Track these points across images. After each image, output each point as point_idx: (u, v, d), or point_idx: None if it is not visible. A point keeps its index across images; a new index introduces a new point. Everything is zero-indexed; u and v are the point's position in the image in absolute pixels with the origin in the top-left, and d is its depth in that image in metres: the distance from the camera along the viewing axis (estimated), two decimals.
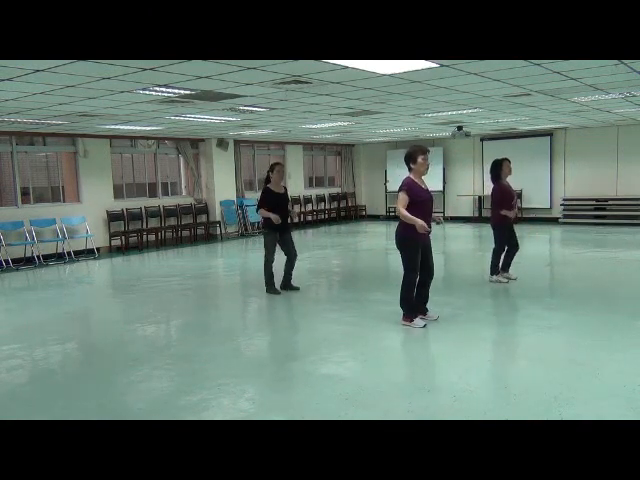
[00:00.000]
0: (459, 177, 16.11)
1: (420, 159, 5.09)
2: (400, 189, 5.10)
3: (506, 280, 7.02)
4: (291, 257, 6.89)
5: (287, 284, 6.98)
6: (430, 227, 5.16)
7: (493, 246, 7.14)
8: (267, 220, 6.69)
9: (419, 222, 4.93)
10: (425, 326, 5.20)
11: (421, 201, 5.11)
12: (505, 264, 7.16)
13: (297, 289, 6.98)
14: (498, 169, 7.00)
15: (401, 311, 5.36)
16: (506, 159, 7.06)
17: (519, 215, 7.32)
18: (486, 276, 7.28)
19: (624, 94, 7.84)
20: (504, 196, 6.95)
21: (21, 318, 6.42)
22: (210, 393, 3.86)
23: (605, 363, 4.17)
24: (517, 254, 7.21)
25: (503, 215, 6.87)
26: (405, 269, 5.24)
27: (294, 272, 7.00)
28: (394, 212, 16.29)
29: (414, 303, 5.29)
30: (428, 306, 5.48)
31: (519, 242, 7.26)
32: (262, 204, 6.74)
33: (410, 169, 5.18)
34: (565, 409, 3.37)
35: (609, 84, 6.93)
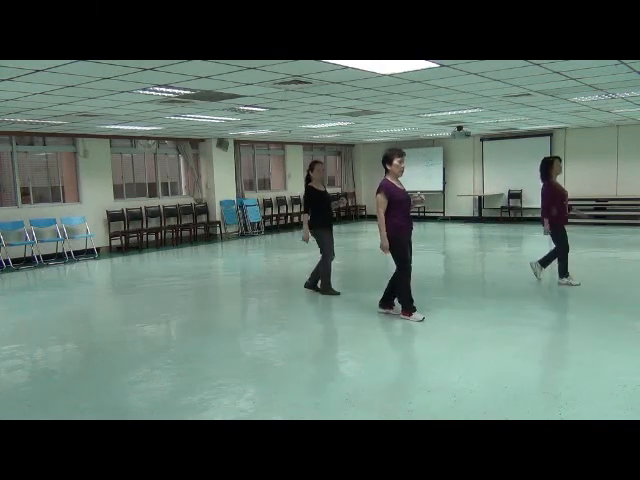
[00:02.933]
0: (459, 177, 16.12)
1: (396, 161, 5.30)
2: (378, 191, 5.31)
3: (578, 282, 6.84)
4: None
5: (313, 285, 6.90)
6: (412, 225, 5.47)
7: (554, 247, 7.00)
8: (315, 218, 6.61)
9: (385, 244, 5.25)
10: (424, 319, 5.36)
11: (399, 201, 5.32)
12: (546, 261, 7.06)
13: (337, 294, 6.79)
14: (548, 167, 6.84)
15: (380, 310, 5.63)
16: (557, 157, 6.98)
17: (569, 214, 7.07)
18: (486, 276, 7.28)
19: (617, 95, 7.84)
20: (555, 195, 6.79)
21: (21, 318, 6.42)
22: (210, 393, 3.86)
23: (605, 363, 4.17)
24: (532, 256, 7.16)
25: (556, 214, 6.70)
26: (398, 267, 5.43)
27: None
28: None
29: (411, 296, 5.46)
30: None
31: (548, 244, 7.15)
32: (308, 206, 6.69)
33: (387, 171, 5.39)
34: (565, 409, 3.37)
35: (609, 84, 6.94)
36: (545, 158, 7.05)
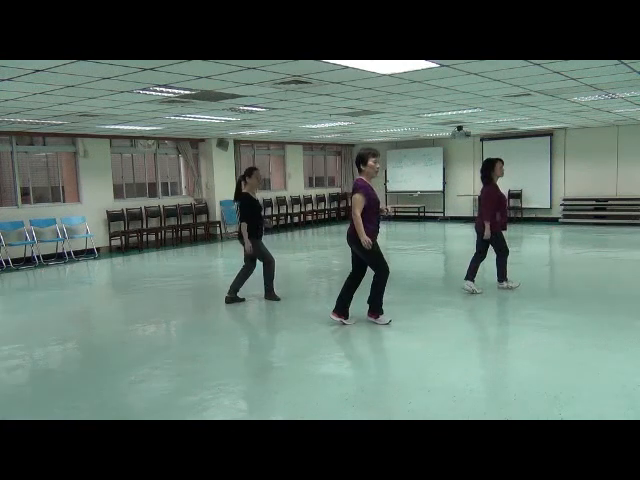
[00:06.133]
0: (459, 177, 16.12)
1: (371, 161, 5.13)
2: (356, 191, 5.11)
3: (517, 284, 6.62)
4: (258, 266, 6.52)
5: (271, 295, 6.61)
6: (379, 227, 5.24)
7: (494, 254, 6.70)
8: (254, 230, 6.26)
9: (365, 238, 4.98)
10: (390, 322, 5.29)
11: (374, 203, 5.16)
12: (470, 272, 6.59)
13: (278, 299, 6.55)
14: (489, 169, 6.48)
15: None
16: (499, 159, 6.56)
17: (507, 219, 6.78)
18: (487, 276, 7.27)
19: (617, 95, 7.84)
20: (500, 200, 6.51)
21: (21, 318, 6.42)
22: (210, 393, 3.86)
23: (605, 363, 4.17)
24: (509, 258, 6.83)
25: (499, 219, 6.42)
26: (376, 269, 5.26)
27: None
28: (394, 211, 16.28)
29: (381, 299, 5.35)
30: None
31: (508, 245, 6.82)
32: (246, 216, 6.24)
33: (360, 171, 5.22)
34: (565, 409, 3.37)
35: (609, 84, 6.94)
36: (487, 159, 6.67)
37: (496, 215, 6.42)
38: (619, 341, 4.67)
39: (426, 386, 3.85)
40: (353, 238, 5.17)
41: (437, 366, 4.26)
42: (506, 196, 6.66)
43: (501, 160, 6.59)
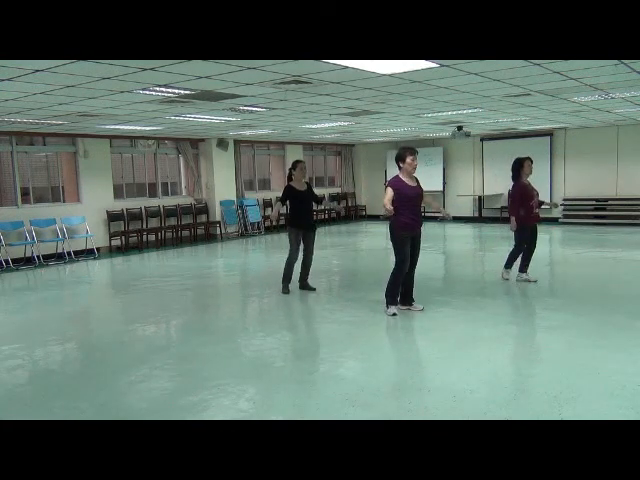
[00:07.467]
0: (459, 177, 16.11)
1: (409, 159, 5.57)
2: (387, 185, 5.60)
3: (535, 279, 6.95)
4: (305, 255, 6.94)
5: (304, 285, 7.03)
6: (420, 222, 5.69)
7: (511, 247, 7.14)
8: (291, 219, 6.92)
9: (385, 205, 5.36)
10: (395, 315, 5.54)
11: (407, 198, 5.52)
12: (522, 265, 7.08)
13: (313, 290, 7.00)
14: (519, 168, 6.94)
15: (399, 309, 5.73)
16: (528, 158, 7.02)
17: (539, 214, 7.25)
18: (486, 275, 7.27)
19: (617, 95, 7.84)
20: (523, 196, 6.89)
21: (21, 318, 6.42)
22: (210, 393, 3.86)
23: (605, 363, 4.17)
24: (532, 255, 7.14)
25: (523, 214, 6.83)
26: (395, 263, 5.64)
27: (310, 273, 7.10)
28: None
29: (397, 293, 5.73)
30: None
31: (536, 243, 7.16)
32: (281, 198, 6.96)
33: (400, 168, 5.65)
34: (565, 409, 3.37)
35: (609, 84, 6.94)
36: (517, 158, 7.09)
37: (520, 210, 6.88)
38: (619, 341, 4.67)
39: (426, 386, 3.85)
40: (389, 230, 5.64)
41: (437, 366, 4.26)
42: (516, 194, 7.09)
43: (530, 159, 7.06)
